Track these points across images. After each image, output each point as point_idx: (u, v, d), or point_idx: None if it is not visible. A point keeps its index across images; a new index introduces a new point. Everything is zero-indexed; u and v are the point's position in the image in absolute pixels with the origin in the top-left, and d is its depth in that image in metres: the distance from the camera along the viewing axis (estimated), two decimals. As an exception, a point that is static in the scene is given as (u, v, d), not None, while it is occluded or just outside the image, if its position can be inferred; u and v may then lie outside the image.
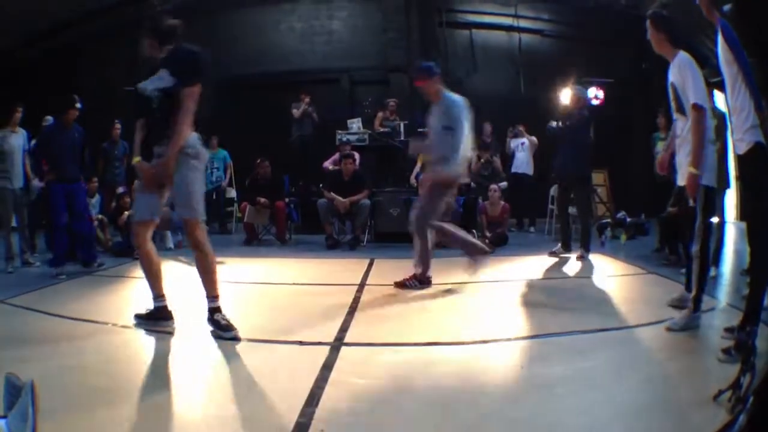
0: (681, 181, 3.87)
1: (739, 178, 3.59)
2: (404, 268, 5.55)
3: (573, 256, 6.67)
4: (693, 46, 3.70)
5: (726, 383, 2.35)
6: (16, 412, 1.92)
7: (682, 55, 3.74)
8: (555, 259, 6.60)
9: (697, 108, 3.59)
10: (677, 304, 4.16)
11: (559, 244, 6.86)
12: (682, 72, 3.70)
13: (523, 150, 10.35)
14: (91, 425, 2.37)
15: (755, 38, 2.75)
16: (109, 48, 11.72)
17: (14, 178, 6.45)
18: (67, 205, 6.17)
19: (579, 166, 6.77)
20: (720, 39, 3.18)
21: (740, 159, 3.28)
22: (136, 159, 3.89)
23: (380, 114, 10.63)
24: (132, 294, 5.20)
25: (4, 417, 1.92)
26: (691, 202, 3.71)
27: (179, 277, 5.92)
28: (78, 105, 6.28)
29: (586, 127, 6.92)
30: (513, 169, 10.36)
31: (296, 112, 10.68)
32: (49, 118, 7.02)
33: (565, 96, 7.20)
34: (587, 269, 6.13)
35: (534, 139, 10.19)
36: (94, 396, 2.66)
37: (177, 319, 4.05)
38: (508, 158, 10.58)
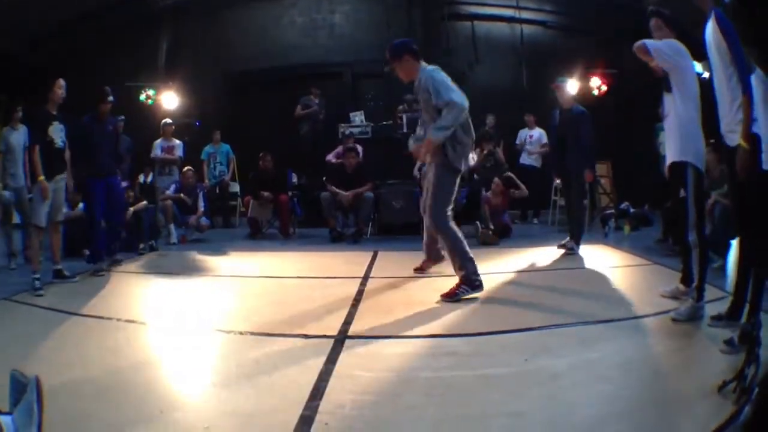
0: (669, 159, 3.90)
1: (729, 172, 3.48)
2: (408, 260, 5.56)
3: (577, 249, 6.61)
4: (694, 39, 3.71)
5: (731, 374, 2.35)
6: (21, 409, 1.92)
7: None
8: (559, 251, 6.56)
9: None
10: (669, 296, 4.18)
11: (568, 237, 6.81)
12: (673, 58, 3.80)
13: (530, 143, 10.30)
14: (96, 421, 2.37)
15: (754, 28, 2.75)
16: (112, 43, 11.74)
17: (17, 176, 6.47)
18: (105, 198, 6.09)
19: (576, 162, 6.61)
20: (710, 27, 3.19)
21: (731, 152, 3.24)
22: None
23: (400, 107, 10.60)
24: (136, 289, 5.22)
25: (10, 413, 1.92)
26: (681, 193, 3.73)
27: (182, 273, 5.95)
28: (110, 98, 6.22)
29: (583, 123, 6.66)
30: (521, 161, 10.33)
31: (299, 110, 10.57)
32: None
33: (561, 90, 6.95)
34: (590, 260, 6.11)
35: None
36: (97, 391, 2.67)
37: (180, 314, 4.07)
38: (516, 152, 10.51)
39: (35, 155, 5.16)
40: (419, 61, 4.55)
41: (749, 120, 3.06)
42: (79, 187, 6.41)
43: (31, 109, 5.73)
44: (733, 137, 3.18)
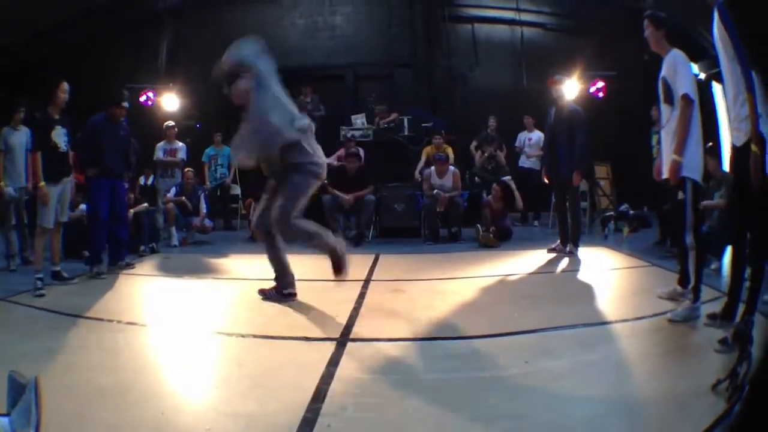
0: (667, 173, 3.90)
1: (734, 171, 3.47)
2: (409, 263, 5.57)
3: (576, 251, 6.61)
4: (690, 40, 3.72)
5: (724, 373, 2.38)
6: (19, 410, 1.92)
7: (676, 52, 3.85)
8: (558, 254, 6.58)
9: (686, 98, 3.71)
10: (667, 297, 4.20)
11: (558, 241, 6.82)
12: (674, 66, 3.81)
13: (529, 146, 10.30)
14: (95, 423, 2.38)
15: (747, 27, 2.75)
16: (113, 44, 11.76)
17: (16, 176, 6.47)
18: (109, 200, 5.99)
19: (568, 164, 6.57)
20: (716, 21, 3.19)
21: (737, 151, 3.25)
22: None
23: (379, 120, 10.67)
24: (137, 291, 5.23)
25: (7, 415, 1.93)
26: (680, 195, 3.75)
27: (183, 276, 5.96)
28: (125, 104, 6.18)
29: (577, 122, 6.60)
30: (520, 163, 10.33)
31: None
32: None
33: (557, 86, 6.88)
34: (590, 262, 6.13)
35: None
36: (98, 393, 2.68)
37: (181, 317, 4.09)
38: (516, 154, 10.52)
39: (37, 161, 5.11)
40: None
41: (755, 118, 2.98)
42: (81, 188, 6.39)
43: (33, 112, 5.67)
44: (740, 136, 3.18)
